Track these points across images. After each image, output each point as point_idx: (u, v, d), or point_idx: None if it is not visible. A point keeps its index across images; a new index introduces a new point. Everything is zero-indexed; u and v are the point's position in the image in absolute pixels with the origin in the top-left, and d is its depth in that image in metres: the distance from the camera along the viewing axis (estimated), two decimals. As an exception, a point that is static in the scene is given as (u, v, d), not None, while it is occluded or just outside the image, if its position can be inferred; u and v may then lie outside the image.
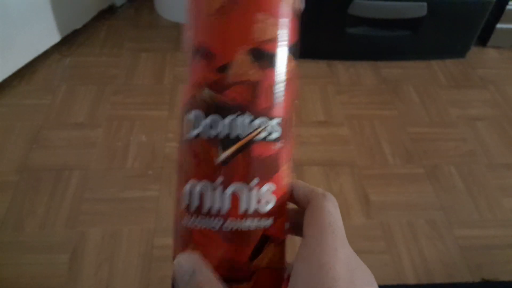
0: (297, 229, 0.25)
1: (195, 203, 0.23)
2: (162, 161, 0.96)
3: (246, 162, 0.22)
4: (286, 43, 0.23)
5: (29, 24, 1.10)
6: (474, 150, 1.05)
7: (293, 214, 0.25)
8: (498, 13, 1.31)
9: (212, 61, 0.22)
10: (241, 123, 0.22)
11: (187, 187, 0.23)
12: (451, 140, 1.07)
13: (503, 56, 1.36)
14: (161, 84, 1.17)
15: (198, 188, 0.23)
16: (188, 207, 0.23)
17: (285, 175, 0.24)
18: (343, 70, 1.26)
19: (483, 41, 1.39)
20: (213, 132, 0.22)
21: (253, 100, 0.22)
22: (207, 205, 0.22)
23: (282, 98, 0.23)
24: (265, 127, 0.22)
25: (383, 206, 0.91)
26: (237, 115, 0.22)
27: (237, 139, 0.22)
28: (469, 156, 1.03)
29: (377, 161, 1.00)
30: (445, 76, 1.27)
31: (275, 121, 0.23)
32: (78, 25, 1.29)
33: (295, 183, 0.25)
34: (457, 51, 1.32)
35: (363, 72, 1.26)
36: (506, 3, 1.28)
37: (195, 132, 0.23)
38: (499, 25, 1.33)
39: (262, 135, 0.22)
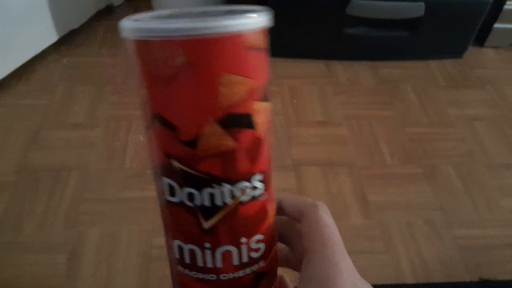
0: (288, 240, 0.26)
1: (187, 259, 0.22)
2: (161, 161, 0.96)
3: (231, 226, 0.21)
4: (259, 93, 0.20)
5: (27, 23, 1.10)
6: (473, 150, 1.05)
7: (282, 227, 0.26)
8: (495, 13, 1.31)
9: (176, 133, 0.19)
10: (221, 194, 0.20)
11: (175, 244, 0.23)
12: (449, 140, 1.07)
13: (501, 56, 1.36)
14: (159, 84, 1.17)
15: (186, 248, 0.22)
16: (180, 260, 0.23)
17: (272, 215, 0.23)
18: (342, 70, 1.26)
19: (480, 41, 1.39)
20: (192, 203, 0.21)
21: (230, 169, 0.20)
22: (199, 263, 0.22)
23: (261, 153, 0.21)
24: (247, 190, 0.21)
25: (381, 206, 0.91)
26: (215, 188, 0.20)
27: (219, 208, 0.20)
28: (467, 156, 1.03)
29: (375, 161, 1.00)
30: (443, 76, 1.27)
31: (257, 179, 0.21)
32: (76, 25, 1.29)
33: (282, 197, 0.25)
34: (455, 51, 1.33)
35: (362, 72, 1.26)
36: (504, 3, 1.28)
37: (174, 200, 0.21)
38: (496, 25, 1.33)
39: (245, 198, 0.21)
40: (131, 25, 0.18)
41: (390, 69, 1.28)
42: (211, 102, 0.18)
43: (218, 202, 0.20)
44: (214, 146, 0.19)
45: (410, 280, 0.79)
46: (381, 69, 1.27)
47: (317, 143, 1.04)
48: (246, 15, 0.18)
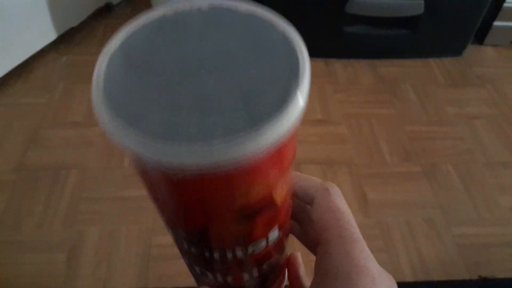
0: (299, 221, 0.24)
1: (197, 271, 0.21)
2: (160, 160, 0.96)
3: (243, 265, 0.20)
4: (282, 176, 0.16)
5: (26, 22, 1.10)
6: (472, 148, 1.05)
7: (292, 210, 0.23)
8: (495, 10, 1.31)
9: (181, 223, 0.17)
10: (232, 253, 0.18)
11: (185, 260, 0.22)
12: (448, 138, 1.08)
13: (501, 54, 1.36)
14: (158, 82, 1.17)
15: (197, 269, 0.21)
16: (190, 266, 0.22)
17: (284, 240, 0.22)
18: (341, 68, 1.26)
19: (480, 39, 1.39)
20: (200, 253, 0.19)
21: (243, 240, 0.18)
22: (209, 277, 0.21)
23: (281, 214, 0.19)
24: (261, 244, 0.19)
25: (381, 205, 0.91)
26: (226, 250, 0.18)
27: (230, 259, 0.19)
28: (466, 155, 1.04)
29: (375, 160, 1.00)
30: (442, 74, 1.27)
31: (273, 232, 0.19)
32: (75, 23, 1.29)
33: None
34: (455, 49, 1.33)
35: (361, 71, 1.26)
36: (503, 1, 1.28)
37: (186, 247, 0.19)
38: (496, 23, 1.33)
39: (259, 250, 0.19)
40: (124, 139, 0.12)
41: (390, 68, 1.28)
42: (223, 206, 0.15)
43: (229, 256, 0.19)
44: (226, 233, 0.17)
45: (409, 278, 0.79)
46: (380, 68, 1.27)
47: (316, 141, 1.04)
48: (283, 115, 0.12)
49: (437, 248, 0.84)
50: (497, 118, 1.14)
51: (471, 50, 1.35)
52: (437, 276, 0.80)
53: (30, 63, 1.17)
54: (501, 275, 0.81)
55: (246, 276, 0.21)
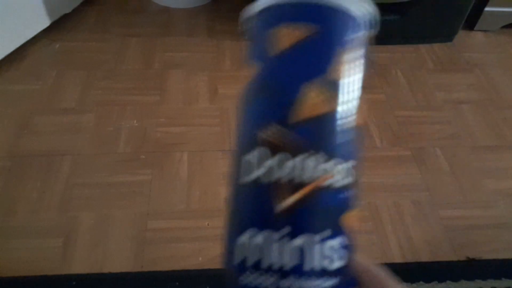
0: None
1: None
2: (154, 146, 0.97)
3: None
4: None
5: (18, 9, 1.09)
6: (459, 133, 1.07)
7: None
8: (486, -4, 1.32)
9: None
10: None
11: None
12: (436, 123, 1.09)
13: (490, 39, 1.37)
14: (151, 69, 1.17)
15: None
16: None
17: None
18: (333, 54, 1.27)
19: (470, 24, 1.40)
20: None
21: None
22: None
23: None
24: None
25: (371, 187, 0.93)
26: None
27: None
28: (454, 139, 1.05)
29: (365, 143, 1.02)
30: (432, 60, 1.28)
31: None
32: (67, 10, 1.28)
33: (363, 266, 0.23)
34: (445, 35, 1.34)
35: (352, 56, 1.27)
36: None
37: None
38: (487, 8, 1.34)
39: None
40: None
41: (380, 53, 1.28)
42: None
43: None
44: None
45: (397, 259, 0.82)
46: (371, 53, 1.28)
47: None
48: None
49: (425, 230, 0.86)
50: (484, 102, 1.16)
51: (461, 35, 1.35)
52: (425, 256, 0.82)
53: (23, 49, 1.16)
54: (486, 256, 0.83)
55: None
